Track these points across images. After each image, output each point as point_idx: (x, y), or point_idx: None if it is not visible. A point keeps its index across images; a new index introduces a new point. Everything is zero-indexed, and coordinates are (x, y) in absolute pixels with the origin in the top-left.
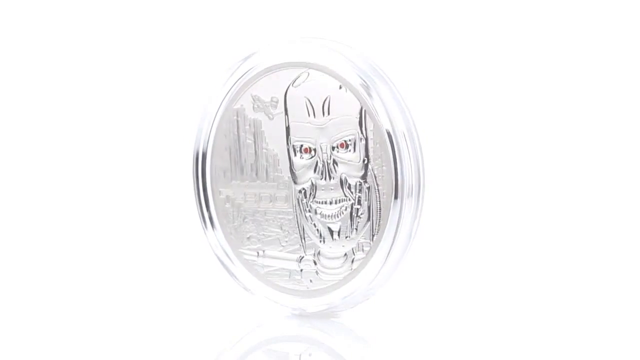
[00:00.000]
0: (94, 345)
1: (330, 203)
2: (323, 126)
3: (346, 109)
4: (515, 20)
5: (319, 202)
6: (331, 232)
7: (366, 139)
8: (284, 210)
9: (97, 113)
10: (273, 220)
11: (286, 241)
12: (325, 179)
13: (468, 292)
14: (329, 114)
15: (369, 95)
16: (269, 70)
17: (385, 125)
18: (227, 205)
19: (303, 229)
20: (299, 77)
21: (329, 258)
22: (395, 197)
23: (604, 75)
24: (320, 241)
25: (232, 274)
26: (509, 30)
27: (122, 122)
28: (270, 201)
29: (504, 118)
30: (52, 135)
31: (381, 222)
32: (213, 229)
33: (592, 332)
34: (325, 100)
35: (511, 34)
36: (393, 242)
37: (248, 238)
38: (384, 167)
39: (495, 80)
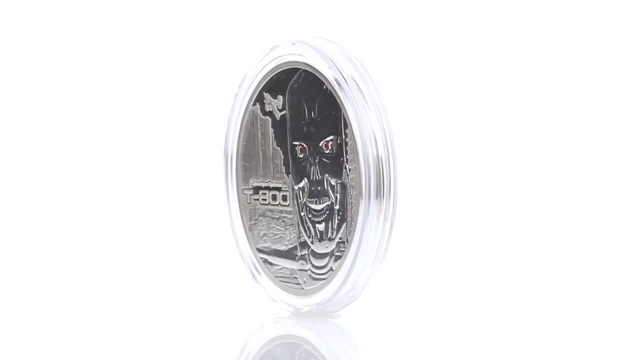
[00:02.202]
0: (100, 337)
1: (318, 203)
2: (313, 126)
3: (329, 109)
4: (497, 29)
5: (310, 202)
6: (318, 232)
7: (343, 140)
8: (286, 209)
9: (124, 114)
10: (278, 219)
11: (288, 240)
12: (314, 179)
13: (460, 293)
14: (316, 114)
15: (345, 96)
16: (275, 70)
17: (355, 127)
18: (247, 203)
19: (299, 228)
20: (296, 77)
21: (318, 258)
22: (361, 197)
23: (578, 74)
24: (311, 241)
25: (251, 274)
26: (494, 39)
27: (145, 122)
28: (276, 200)
29: (482, 123)
30: (84, 135)
31: (353, 222)
32: (236, 227)
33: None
34: (314, 101)
35: (494, 42)
36: (360, 242)
37: (261, 236)
38: (355, 168)
39: (479, 87)
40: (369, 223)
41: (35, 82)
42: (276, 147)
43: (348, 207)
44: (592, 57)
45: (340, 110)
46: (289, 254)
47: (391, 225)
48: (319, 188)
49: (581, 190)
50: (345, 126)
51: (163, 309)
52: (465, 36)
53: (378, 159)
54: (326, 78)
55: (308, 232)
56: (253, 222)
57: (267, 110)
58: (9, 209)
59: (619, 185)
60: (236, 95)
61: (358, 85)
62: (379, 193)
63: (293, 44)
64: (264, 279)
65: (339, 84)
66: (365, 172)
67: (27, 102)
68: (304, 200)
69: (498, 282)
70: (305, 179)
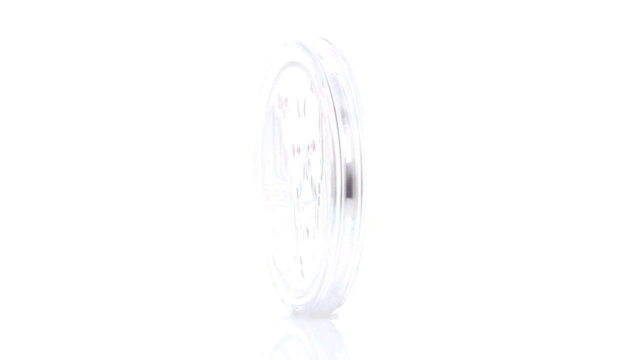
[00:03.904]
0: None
1: (308, 203)
2: (303, 126)
3: (314, 110)
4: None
5: (303, 203)
6: (308, 232)
7: (322, 140)
8: (289, 209)
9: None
10: (283, 219)
11: (290, 239)
12: (305, 179)
13: (454, 293)
14: (305, 114)
15: (321, 94)
16: (284, 67)
17: (327, 126)
18: (267, 202)
19: (296, 228)
20: (295, 76)
21: (308, 258)
22: (331, 198)
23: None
24: (303, 241)
25: (270, 278)
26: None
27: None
28: (283, 200)
29: (464, 125)
30: (110, 132)
31: (327, 223)
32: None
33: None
34: (303, 101)
35: (487, 52)
36: (330, 243)
37: (276, 235)
38: (329, 168)
39: (462, 95)
40: (339, 224)
41: (57, 86)
42: (283, 146)
43: (325, 207)
44: (574, 59)
45: (320, 111)
46: (290, 253)
47: (364, 227)
48: (307, 188)
49: (553, 188)
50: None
51: (177, 307)
52: (462, 44)
53: (352, 159)
54: (312, 79)
55: (301, 232)
56: (270, 221)
57: (278, 109)
58: (24, 210)
59: (596, 185)
60: (260, 94)
61: (340, 85)
62: (350, 194)
63: (293, 43)
64: (276, 279)
65: (320, 83)
66: (333, 173)
67: (50, 105)
68: (299, 200)
69: (488, 281)
70: (300, 179)
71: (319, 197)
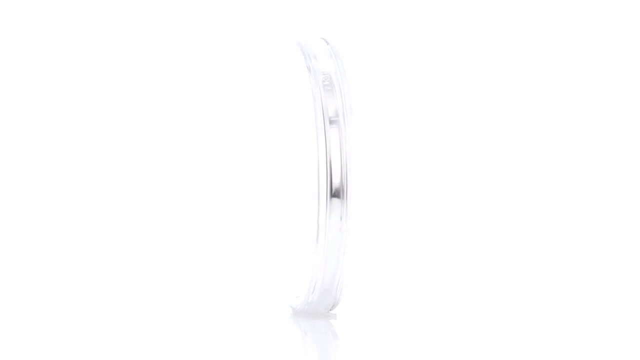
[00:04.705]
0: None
1: (304, 204)
2: (301, 126)
3: (309, 110)
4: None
5: (301, 202)
6: (303, 232)
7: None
8: (289, 209)
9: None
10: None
11: (290, 239)
12: (301, 179)
13: (451, 293)
14: (302, 114)
15: (311, 94)
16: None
17: (314, 128)
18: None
19: (295, 228)
20: (293, 76)
21: (306, 257)
22: (316, 197)
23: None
24: (301, 242)
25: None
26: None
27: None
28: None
29: (449, 130)
30: (122, 132)
31: (313, 223)
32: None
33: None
34: (301, 101)
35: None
36: (317, 242)
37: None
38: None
39: (456, 96)
40: (324, 224)
41: (51, 83)
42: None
43: (312, 208)
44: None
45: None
46: (291, 254)
47: (353, 227)
48: (304, 189)
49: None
50: None
51: (178, 307)
52: (458, 46)
53: (339, 159)
54: (304, 77)
55: (299, 232)
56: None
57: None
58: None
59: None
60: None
61: (333, 85)
62: (337, 194)
63: (291, 43)
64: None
65: (311, 83)
66: (318, 173)
67: (46, 104)
68: (297, 200)
69: (484, 279)
70: (298, 180)
71: (310, 198)
